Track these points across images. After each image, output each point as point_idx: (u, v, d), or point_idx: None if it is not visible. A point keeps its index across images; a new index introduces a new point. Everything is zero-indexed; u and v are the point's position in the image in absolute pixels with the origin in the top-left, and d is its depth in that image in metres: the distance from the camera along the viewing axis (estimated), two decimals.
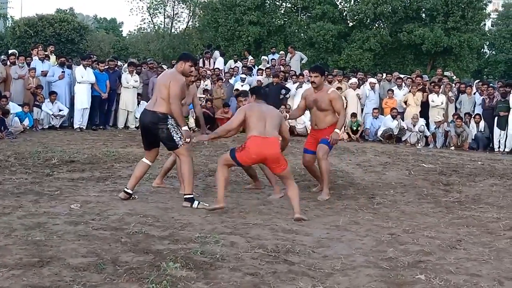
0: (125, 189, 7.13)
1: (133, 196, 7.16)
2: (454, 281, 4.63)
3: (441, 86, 16.23)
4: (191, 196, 6.93)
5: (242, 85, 17.06)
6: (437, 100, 15.91)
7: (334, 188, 8.54)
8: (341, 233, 6.10)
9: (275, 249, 5.30)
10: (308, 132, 13.29)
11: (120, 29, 53.68)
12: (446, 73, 20.02)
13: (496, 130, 14.91)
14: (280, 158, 6.64)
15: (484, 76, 37.65)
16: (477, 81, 18.55)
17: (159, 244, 5.30)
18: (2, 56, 15.23)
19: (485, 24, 37.44)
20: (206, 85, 16.92)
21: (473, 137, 15.10)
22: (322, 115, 7.89)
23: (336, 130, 7.82)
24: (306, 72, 15.74)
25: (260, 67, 19.12)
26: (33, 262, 4.61)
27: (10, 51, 16.31)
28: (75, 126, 14.93)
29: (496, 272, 4.92)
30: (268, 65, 19.21)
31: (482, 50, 36.39)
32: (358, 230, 6.25)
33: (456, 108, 16.22)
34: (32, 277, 4.29)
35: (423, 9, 31.16)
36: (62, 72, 15.06)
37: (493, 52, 39.03)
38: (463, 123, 14.99)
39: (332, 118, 7.88)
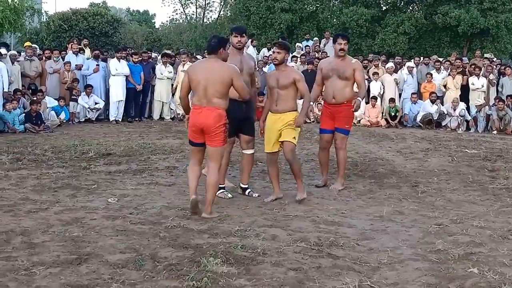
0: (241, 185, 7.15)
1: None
2: (510, 274, 4.39)
3: (482, 69, 15.73)
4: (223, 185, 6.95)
5: None
6: (477, 83, 15.43)
7: (375, 177, 8.30)
8: (385, 224, 5.88)
9: (318, 242, 5.12)
10: None
11: (153, 21, 53.79)
12: (486, 55, 19.43)
13: None
14: (216, 130, 5.84)
15: None
16: None
17: (198, 238, 5.17)
18: (38, 51, 15.26)
19: None
20: None
21: None
22: (342, 84, 7.43)
23: (359, 98, 7.46)
24: None
25: (294, 54, 18.82)
26: (70, 259, 4.52)
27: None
28: (111, 118, 14.93)
29: None
30: (302, 52, 18.92)
31: None
32: (403, 220, 6.02)
33: (497, 91, 15.71)
34: (70, 275, 4.20)
35: None
36: (97, 65, 15.06)
37: None
38: (505, 106, 14.50)
39: (350, 91, 7.49)
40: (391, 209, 6.46)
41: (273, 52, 6.91)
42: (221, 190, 6.78)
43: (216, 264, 4.45)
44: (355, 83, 7.55)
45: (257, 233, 5.35)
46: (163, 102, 15.69)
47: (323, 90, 7.80)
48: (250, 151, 6.96)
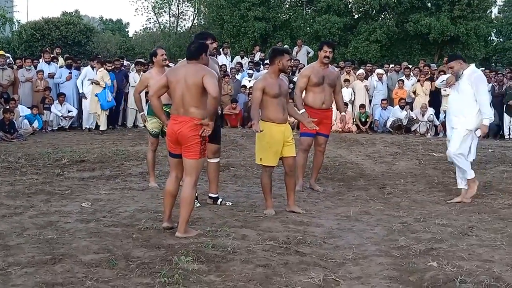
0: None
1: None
2: (467, 267, 4.62)
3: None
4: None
5: (249, 81, 17.08)
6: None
7: (344, 180, 8.54)
8: (352, 223, 6.09)
9: (286, 241, 5.31)
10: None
11: (126, 30, 53.67)
12: None
13: (506, 117, 14.83)
14: (191, 141, 5.46)
15: (493, 64, 37.29)
16: (482, 68, 18.40)
17: (170, 239, 5.32)
18: (8, 60, 15.23)
19: (491, 12, 37.15)
20: None
21: None
22: (331, 92, 7.83)
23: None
24: None
25: (267, 62, 19.04)
26: (45, 259, 4.65)
27: None
28: (84, 126, 14.97)
29: (509, 257, 4.90)
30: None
31: (490, 37, 36.08)
32: (369, 220, 6.24)
33: None
34: (44, 274, 4.33)
35: None
36: (70, 73, 15.13)
37: (501, 39, 38.66)
38: None
39: (333, 97, 7.97)
40: (358, 210, 6.68)
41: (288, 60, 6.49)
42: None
43: (187, 262, 4.62)
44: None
45: (228, 233, 5.51)
46: (136, 109, 15.73)
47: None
48: (217, 160, 6.89)
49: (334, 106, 8.23)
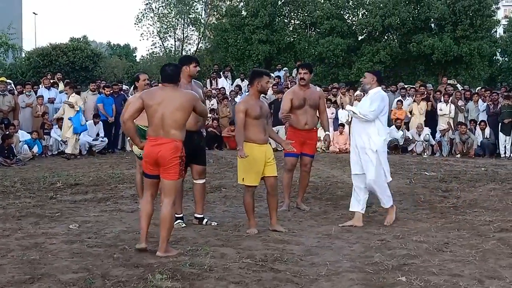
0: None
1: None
2: (435, 281, 4.72)
3: (451, 96, 16.24)
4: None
5: None
6: (445, 109, 15.93)
7: (332, 199, 8.65)
8: (331, 241, 6.19)
9: (263, 259, 5.42)
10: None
11: (134, 55, 54.20)
12: (449, 81, 20.01)
13: (501, 135, 14.91)
14: (171, 162, 5.56)
15: (498, 84, 37.32)
16: (479, 88, 18.55)
17: (150, 259, 5.43)
18: (9, 86, 15.53)
19: (496, 31, 37.27)
20: (212, 104, 17.16)
21: (479, 144, 15.08)
22: (313, 113, 7.99)
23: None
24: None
25: None
26: (24, 279, 4.78)
27: None
28: (83, 151, 15.16)
29: (479, 271, 4.99)
30: (273, 82, 19.36)
31: (495, 57, 36.14)
32: (349, 237, 6.35)
33: (464, 116, 16.22)
34: None
35: (432, 19, 31.14)
36: None
37: (506, 59, 38.72)
38: (467, 130, 14.99)
39: (316, 117, 8.11)
40: (340, 228, 6.78)
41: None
42: (178, 221, 6.82)
43: (162, 280, 4.73)
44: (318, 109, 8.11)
45: (207, 252, 5.62)
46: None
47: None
48: (202, 181, 7.03)
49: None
